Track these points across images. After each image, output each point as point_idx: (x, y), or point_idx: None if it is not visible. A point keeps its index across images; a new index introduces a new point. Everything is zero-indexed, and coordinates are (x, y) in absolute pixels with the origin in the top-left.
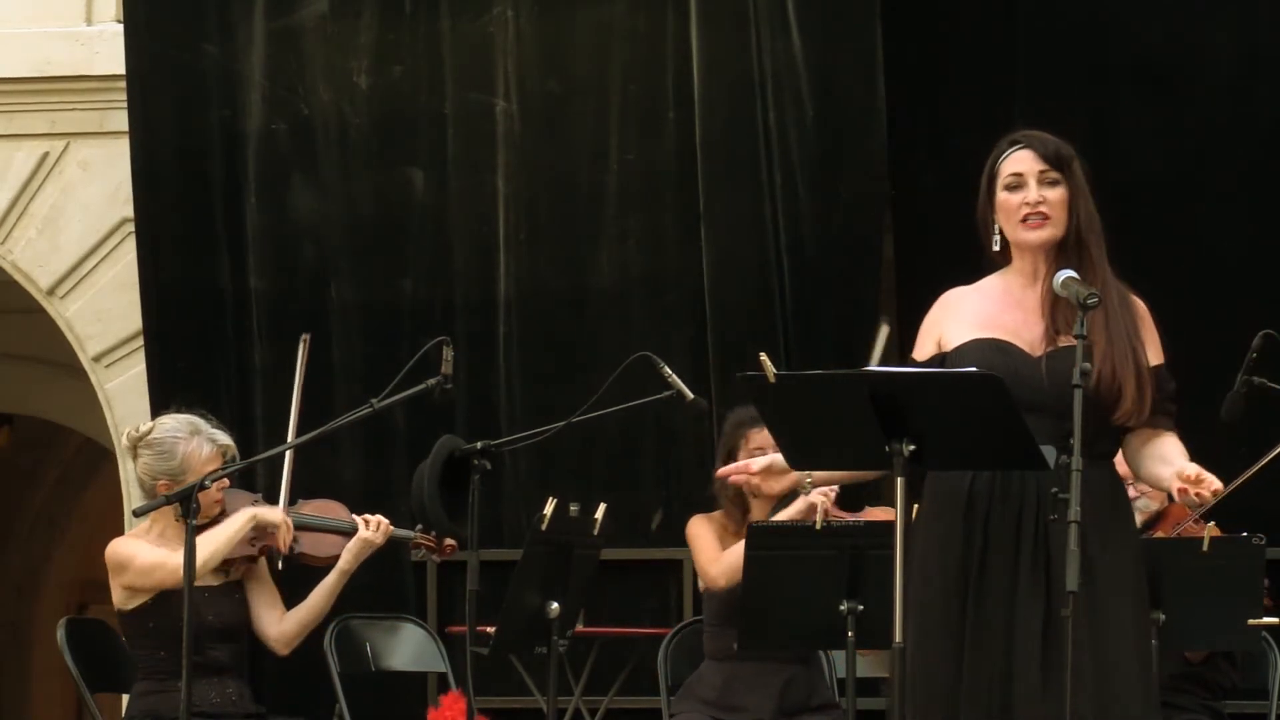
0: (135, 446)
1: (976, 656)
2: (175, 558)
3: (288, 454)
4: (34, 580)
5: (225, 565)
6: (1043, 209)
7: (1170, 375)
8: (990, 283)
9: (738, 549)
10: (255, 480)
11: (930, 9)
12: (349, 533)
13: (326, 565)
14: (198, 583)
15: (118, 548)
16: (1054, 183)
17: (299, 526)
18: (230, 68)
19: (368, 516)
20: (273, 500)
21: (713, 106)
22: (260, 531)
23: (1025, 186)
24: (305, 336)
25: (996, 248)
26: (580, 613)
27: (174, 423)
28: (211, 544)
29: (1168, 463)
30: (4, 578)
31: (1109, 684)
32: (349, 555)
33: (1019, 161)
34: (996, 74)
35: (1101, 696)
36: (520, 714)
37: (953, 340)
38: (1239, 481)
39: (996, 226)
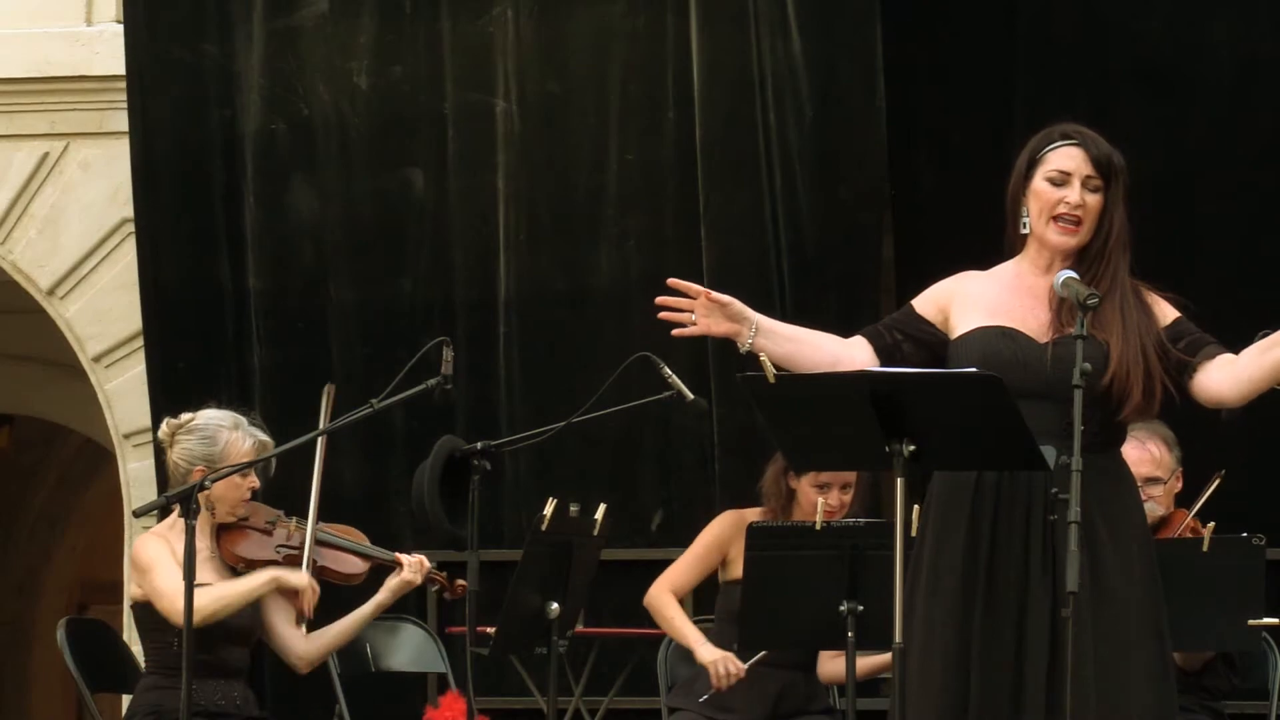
0: (174, 433)
1: (985, 655)
2: (180, 599)
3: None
4: (34, 580)
5: (246, 568)
6: (1079, 213)
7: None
8: (1004, 269)
9: (677, 622)
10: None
11: (930, 9)
12: (370, 557)
13: (346, 582)
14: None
15: (142, 551)
16: (1096, 189)
17: (323, 543)
18: (230, 68)
19: (411, 558)
20: (299, 513)
21: (713, 106)
22: (282, 592)
23: (1069, 185)
24: (329, 388)
25: (1025, 230)
26: (580, 613)
27: (217, 413)
28: (226, 595)
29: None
30: (4, 578)
31: (1118, 680)
32: (387, 592)
33: (1069, 158)
34: (996, 74)
35: (1110, 692)
36: (520, 714)
37: (960, 327)
38: (1197, 505)
39: (1026, 211)
